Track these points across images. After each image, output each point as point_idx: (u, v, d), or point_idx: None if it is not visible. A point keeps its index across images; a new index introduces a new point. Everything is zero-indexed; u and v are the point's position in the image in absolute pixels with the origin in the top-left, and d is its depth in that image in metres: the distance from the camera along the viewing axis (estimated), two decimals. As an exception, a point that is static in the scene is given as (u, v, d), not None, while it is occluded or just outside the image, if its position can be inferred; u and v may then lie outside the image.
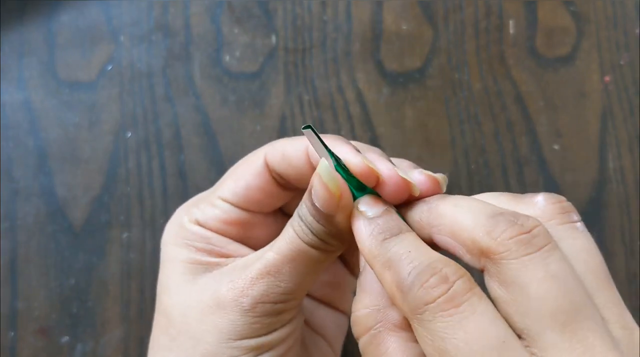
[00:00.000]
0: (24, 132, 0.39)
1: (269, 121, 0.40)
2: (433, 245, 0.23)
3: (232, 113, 0.40)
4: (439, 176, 0.26)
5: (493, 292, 0.21)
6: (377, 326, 0.23)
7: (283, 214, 0.32)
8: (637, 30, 0.41)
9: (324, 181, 0.24)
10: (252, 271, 0.26)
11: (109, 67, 0.40)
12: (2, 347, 0.37)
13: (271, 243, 0.27)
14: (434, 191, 0.25)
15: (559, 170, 0.39)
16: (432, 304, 0.20)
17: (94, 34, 0.40)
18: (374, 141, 0.39)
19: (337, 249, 0.26)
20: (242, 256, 0.28)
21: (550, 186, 0.39)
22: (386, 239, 0.23)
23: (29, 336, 0.37)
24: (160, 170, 0.39)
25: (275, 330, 0.26)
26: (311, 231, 0.25)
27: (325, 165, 0.24)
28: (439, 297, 0.20)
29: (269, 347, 0.26)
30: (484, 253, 0.21)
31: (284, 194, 0.30)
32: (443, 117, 0.40)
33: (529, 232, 0.20)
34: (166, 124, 0.39)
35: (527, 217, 0.21)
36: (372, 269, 0.23)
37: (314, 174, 0.24)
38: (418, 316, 0.20)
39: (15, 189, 0.39)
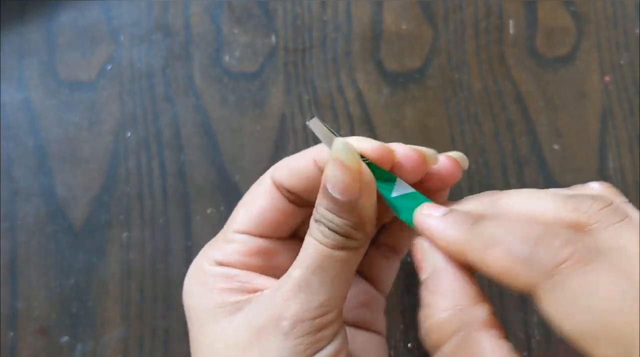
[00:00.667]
0: (24, 132, 0.39)
1: (269, 121, 0.40)
2: None
3: (232, 113, 0.40)
4: (456, 155, 0.27)
5: None
6: (464, 327, 0.21)
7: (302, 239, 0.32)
8: (637, 30, 0.41)
9: (341, 160, 0.24)
10: (283, 292, 0.25)
11: (109, 67, 0.40)
12: (2, 347, 0.37)
13: (294, 262, 0.26)
14: (453, 166, 0.26)
15: (559, 170, 0.39)
16: (566, 263, 0.20)
17: (94, 34, 0.40)
18: (374, 141, 0.39)
19: (363, 243, 0.26)
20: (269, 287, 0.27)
21: (550, 185, 0.39)
22: (474, 223, 0.23)
23: (29, 336, 0.37)
24: (160, 170, 0.39)
25: (322, 349, 0.25)
26: (332, 231, 0.25)
27: (340, 142, 0.24)
28: (571, 255, 0.20)
29: None
30: (573, 228, 0.21)
31: (299, 211, 0.30)
32: (443, 117, 0.40)
33: (611, 204, 0.22)
34: (166, 123, 0.39)
35: (601, 195, 0.23)
36: (464, 257, 0.22)
37: (327, 164, 0.24)
38: (550, 280, 0.20)
39: (15, 189, 0.39)
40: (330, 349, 0.25)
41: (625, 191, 0.39)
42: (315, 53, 0.40)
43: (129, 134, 0.39)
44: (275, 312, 0.25)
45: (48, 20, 0.41)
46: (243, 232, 0.28)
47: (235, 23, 0.41)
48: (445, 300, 0.22)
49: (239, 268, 0.28)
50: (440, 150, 0.39)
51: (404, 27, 0.41)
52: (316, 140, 0.39)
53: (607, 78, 0.40)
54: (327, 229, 0.25)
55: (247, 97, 0.40)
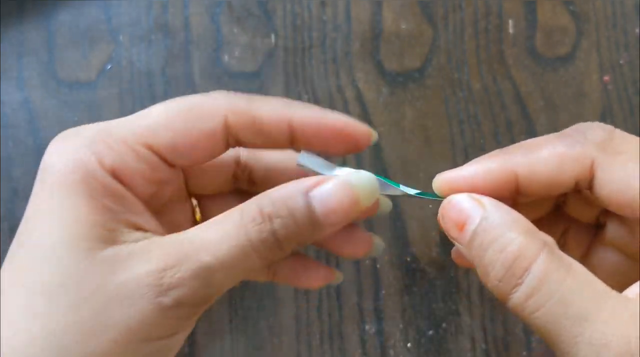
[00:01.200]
0: (24, 131, 0.39)
1: (269, 121, 0.40)
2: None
3: (231, 113, 0.40)
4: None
5: None
6: (544, 245, 0.21)
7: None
8: (637, 30, 0.41)
9: (358, 197, 0.22)
10: (182, 270, 0.21)
11: (109, 67, 0.40)
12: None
13: (203, 232, 0.22)
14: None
15: (559, 170, 0.39)
16: (609, 141, 0.23)
17: (94, 33, 0.40)
18: (373, 141, 0.39)
19: (282, 258, 0.23)
20: (153, 232, 0.23)
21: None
22: (504, 150, 0.25)
23: (29, 336, 0.37)
24: (159, 170, 0.39)
25: (177, 333, 0.23)
26: (276, 238, 0.22)
27: (368, 178, 0.23)
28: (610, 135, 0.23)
29: (169, 349, 0.23)
30: None
31: (218, 169, 0.26)
32: (442, 117, 0.40)
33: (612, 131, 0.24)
34: (166, 123, 0.39)
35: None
36: (515, 172, 0.23)
37: (329, 182, 0.22)
38: (603, 152, 0.23)
39: (15, 189, 0.39)
40: (186, 332, 0.23)
41: (624, 191, 0.39)
42: (314, 53, 0.40)
43: (129, 134, 0.39)
44: (161, 282, 0.21)
45: (47, 20, 0.41)
46: (157, 153, 0.23)
47: (235, 23, 0.41)
48: (512, 229, 0.21)
49: (134, 193, 0.23)
50: (440, 150, 0.39)
51: (403, 27, 0.41)
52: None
53: (606, 78, 0.40)
54: (272, 234, 0.22)
55: (246, 96, 0.40)
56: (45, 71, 0.40)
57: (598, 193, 0.23)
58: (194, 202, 0.28)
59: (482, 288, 0.38)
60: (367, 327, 0.37)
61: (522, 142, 0.25)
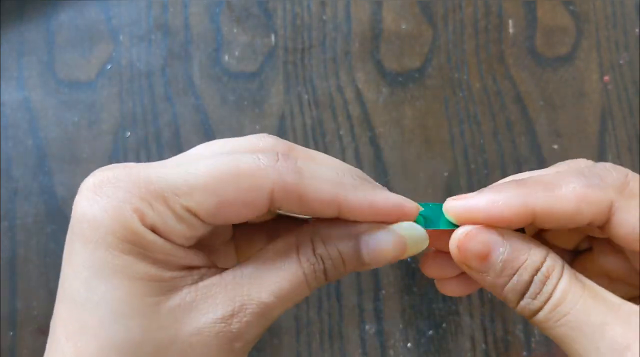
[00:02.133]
0: (24, 131, 0.39)
1: (269, 120, 0.40)
2: None
3: (231, 112, 0.40)
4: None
5: None
6: (562, 266, 0.24)
7: None
8: (637, 30, 0.41)
9: (407, 246, 0.24)
10: (248, 314, 0.22)
11: (108, 67, 0.40)
12: (2, 347, 0.37)
13: (260, 270, 0.23)
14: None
15: (559, 169, 0.39)
16: (628, 184, 0.24)
17: (93, 33, 0.40)
18: (373, 141, 0.39)
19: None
20: (202, 266, 0.24)
21: (549, 185, 0.39)
22: (519, 182, 0.25)
23: (28, 336, 0.37)
24: (159, 170, 0.39)
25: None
26: (325, 273, 0.24)
27: (419, 232, 0.24)
28: (626, 178, 0.25)
29: None
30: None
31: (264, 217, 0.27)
32: (442, 117, 0.40)
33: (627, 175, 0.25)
34: (165, 123, 0.39)
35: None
36: (532, 208, 0.24)
37: (382, 231, 0.24)
38: (621, 195, 0.24)
39: (15, 189, 0.38)
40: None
41: (624, 191, 0.39)
42: (314, 53, 0.40)
43: (129, 134, 0.39)
44: (232, 329, 0.22)
45: (47, 19, 0.41)
46: (197, 217, 0.23)
47: (235, 23, 0.41)
48: (537, 254, 0.24)
49: (175, 244, 0.23)
50: (440, 149, 0.39)
51: (403, 27, 0.41)
52: (318, 146, 0.39)
53: (606, 78, 0.40)
54: (322, 273, 0.24)
55: (246, 96, 0.40)
56: (45, 71, 0.40)
57: (614, 233, 0.24)
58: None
59: (482, 288, 0.38)
60: (367, 327, 0.37)
61: (539, 177, 0.25)
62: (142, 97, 0.40)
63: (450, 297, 0.37)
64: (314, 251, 0.23)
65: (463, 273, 0.27)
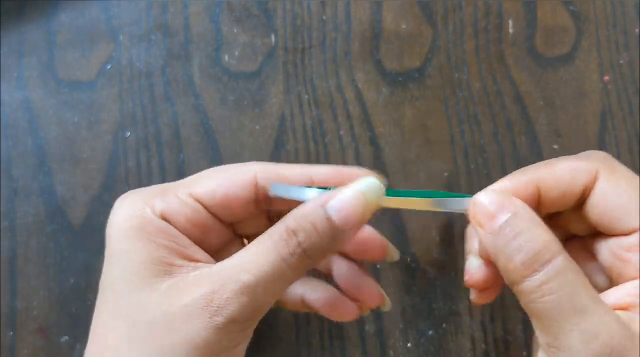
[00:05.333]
0: (24, 131, 0.39)
1: (268, 120, 0.40)
2: None
3: (231, 112, 0.40)
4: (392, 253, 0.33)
5: None
6: (563, 250, 0.25)
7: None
8: (637, 30, 0.41)
9: (365, 195, 0.26)
10: (227, 291, 0.25)
11: (108, 67, 0.40)
12: (2, 347, 0.37)
13: (241, 256, 0.26)
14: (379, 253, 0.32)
15: (559, 169, 0.39)
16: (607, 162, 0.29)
17: (94, 33, 0.40)
18: (373, 141, 0.39)
19: (312, 267, 0.27)
20: (203, 262, 0.27)
21: (549, 185, 0.39)
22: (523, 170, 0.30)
23: (28, 336, 0.37)
24: (159, 170, 0.39)
25: (239, 344, 0.27)
26: (303, 249, 0.25)
27: (373, 181, 0.26)
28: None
29: None
30: None
31: (257, 214, 0.30)
32: (442, 117, 0.40)
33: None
34: (165, 123, 0.39)
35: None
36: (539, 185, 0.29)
37: (342, 193, 0.26)
38: (604, 167, 0.29)
39: (15, 189, 0.39)
40: (244, 344, 0.27)
41: (624, 191, 0.39)
42: (314, 52, 0.40)
43: (129, 134, 0.39)
44: (214, 307, 0.25)
45: (47, 19, 0.41)
46: (199, 201, 0.28)
47: (235, 22, 0.41)
48: (539, 227, 0.26)
49: (181, 232, 0.27)
50: (440, 149, 0.39)
51: (403, 27, 0.41)
52: (318, 146, 0.39)
53: (606, 77, 0.40)
54: (298, 247, 0.25)
55: (246, 96, 0.40)
56: (45, 71, 0.40)
57: (590, 203, 0.28)
58: (245, 241, 0.33)
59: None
60: (367, 327, 0.37)
61: (540, 162, 0.30)
62: (142, 97, 0.40)
63: (451, 297, 0.37)
64: (286, 228, 0.26)
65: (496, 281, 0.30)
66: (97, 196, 0.38)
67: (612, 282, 0.29)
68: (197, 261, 0.27)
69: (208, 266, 0.27)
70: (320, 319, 0.37)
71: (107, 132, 0.39)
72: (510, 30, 0.41)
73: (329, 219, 0.26)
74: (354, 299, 0.31)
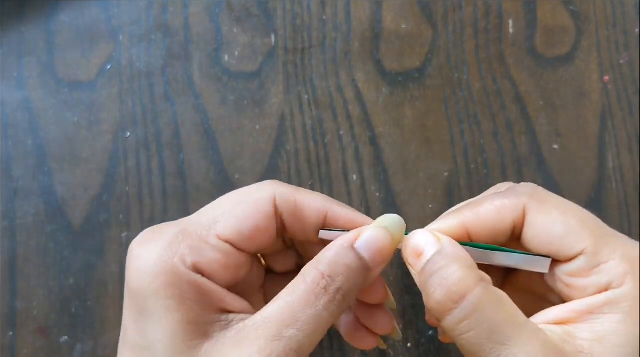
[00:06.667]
0: (24, 131, 0.39)
1: (269, 120, 0.40)
2: None
3: (231, 112, 0.40)
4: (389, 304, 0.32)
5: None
6: (482, 280, 0.25)
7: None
8: (637, 30, 0.41)
9: (390, 230, 0.27)
10: (273, 351, 0.24)
11: (108, 67, 0.40)
12: (2, 347, 0.37)
13: (279, 308, 0.25)
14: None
15: (558, 169, 0.39)
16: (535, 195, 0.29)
17: (94, 33, 0.40)
18: (373, 140, 0.39)
19: (347, 309, 0.27)
20: (236, 311, 0.26)
21: (549, 185, 0.39)
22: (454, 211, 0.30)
23: (28, 336, 0.37)
24: (159, 170, 0.39)
25: None
26: (343, 297, 0.25)
27: (395, 217, 0.27)
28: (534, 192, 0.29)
29: None
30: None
31: (279, 242, 0.30)
32: (442, 117, 0.40)
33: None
34: (165, 123, 0.39)
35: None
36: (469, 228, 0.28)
37: (366, 231, 0.26)
38: (533, 200, 0.28)
39: (15, 189, 0.39)
40: None
41: (624, 190, 0.39)
42: (314, 53, 0.40)
43: (129, 134, 0.39)
44: None
45: (47, 19, 0.41)
46: (227, 241, 0.27)
47: (235, 22, 0.41)
48: (457, 263, 0.25)
49: (215, 281, 0.26)
50: (440, 149, 0.39)
51: (403, 27, 0.41)
52: (318, 146, 0.39)
53: (606, 77, 0.40)
54: (338, 292, 0.25)
55: (246, 96, 0.40)
56: (45, 71, 0.40)
57: (526, 237, 0.28)
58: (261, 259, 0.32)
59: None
60: (367, 327, 0.37)
61: (468, 201, 0.30)
62: (142, 97, 0.40)
63: (450, 297, 0.37)
64: (322, 273, 0.25)
65: None
66: (96, 196, 0.38)
67: (563, 302, 0.28)
68: (232, 311, 0.26)
69: (242, 319, 0.25)
70: (320, 319, 0.37)
71: (107, 132, 0.39)
72: (510, 30, 0.41)
73: (362, 259, 0.26)
74: (364, 325, 0.31)
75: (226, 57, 0.40)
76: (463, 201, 0.38)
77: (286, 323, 0.24)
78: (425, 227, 0.29)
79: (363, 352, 0.37)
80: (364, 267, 0.26)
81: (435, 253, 0.26)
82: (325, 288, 0.25)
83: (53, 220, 0.38)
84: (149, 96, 0.40)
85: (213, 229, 0.26)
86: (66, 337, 0.37)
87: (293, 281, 0.26)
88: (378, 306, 0.31)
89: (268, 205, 0.27)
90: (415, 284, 0.38)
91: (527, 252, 0.28)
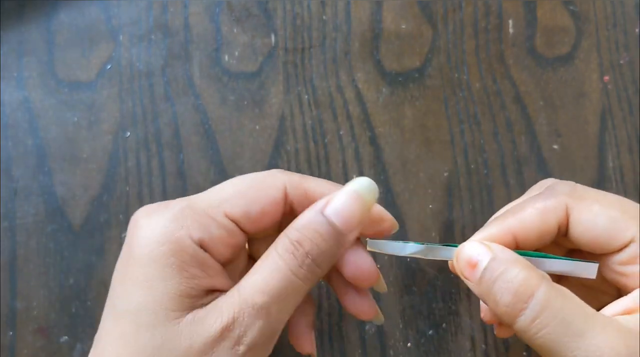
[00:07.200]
0: (24, 131, 0.39)
1: (269, 121, 0.40)
2: None
3: (231, 112, 0.40)
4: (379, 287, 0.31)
5: None
6: (543, 278, 0.26)
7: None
8: (637, 30, 0.41)
9: (361, 194, 0.26)
10: (246, 317, 0.25)
11: (108, 67, 0.40)
12: (2, 347, 0.37)
13: (252, 277, 0.26)
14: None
15: (558, 170, 0.39)
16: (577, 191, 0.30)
17: (94, 33, 0.40)
18: (373, 141, 0.39)
19: (322, 276, 0.27)
20: (225, 289, 0.27)
21: (549, 185, 0.39)
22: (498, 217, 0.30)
23: (28, 336, 0.37)
24: (159, 170, 0.39)
25: None
26: (311, 258, 0.26)
27: (367, 181, 0.27)
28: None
29: None
30: None
31: (276, 228, 0.30)
32: (442, 117, 0.40)
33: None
34: (165, 123, 0.39)
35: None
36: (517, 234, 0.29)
37: (337, 196, 0.26)
38: (575, 198, 0.29)
39: (15, 189, 0.39)
40: (269, 352, 0.27)
41: (624, 190, 0.39)
42: (314, 53, 0.40)
43: (129, 134, 0.39)
44: (233, 334, 0.25)
45: (47, 19, 0.41)
46: (234, 220, 0.27)
47: (235, 22, 0.41)
48: (516, 266, 0.26)
49: (215, 258, 0.27)
50: (440, 149, 0.39)
51: (403, 27, 0.41)
52: (318, 146, 0.39)
53: (606, 78, 0.40)
54: (307, 257, 0.25)
55: (246, 96, 0.40)
56: (45, 71, 0.40)
57: (572, 234, 0.28)
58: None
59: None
60: (367, 327, 0.37)
61: (509, 207, 0.31)
62: (142, 97, 0.40)
63: (450, 297, 0.37)
64: (290, 240, 0.26)
65: None
66: (96, 196, 0.38)
67: (620, 293, 0.29)
68: (220, 291, 0.26)
69: (224, 294, 0.26)
70: (320, 319, 0.37)
71: (107, 132, 0.39)
72: (510, 30, 0.41)
73: (331, 223, 0.26)
74: (348, 309, 0.31)
75: (226, 57, 0.40)
76: (463, 201, 0.38)
77: (255, 290, 0.25)
78: (471, 238, 0.29)
79: (363, 352, 0.37)
80: (335, 232, 0.26)
81: (490, 260, 0.26)
82: (293, 253, 0.25)
83: (53, 220, 0.38)
84: (149, 96, 0.40)
85: (222, 206, 0.27)
86: (66, 337, 0.37)
87: (266, 252, 0.26)
88: (361, 292, 0.31)
89: (279, 192, 0.28)
90: (415, 284, 0.38)
91: (574, 258, 0.28)
